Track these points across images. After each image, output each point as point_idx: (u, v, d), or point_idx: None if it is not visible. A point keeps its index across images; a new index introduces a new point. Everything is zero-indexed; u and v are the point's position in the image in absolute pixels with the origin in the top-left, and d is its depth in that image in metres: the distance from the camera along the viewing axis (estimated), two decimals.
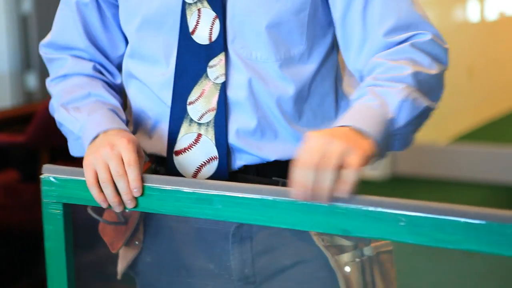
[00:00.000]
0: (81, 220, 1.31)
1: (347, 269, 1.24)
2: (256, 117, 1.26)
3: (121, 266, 1.38)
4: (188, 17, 1.27)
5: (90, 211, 1.28)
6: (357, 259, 1.25)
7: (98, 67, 1.38)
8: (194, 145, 1.27)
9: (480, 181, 4.84)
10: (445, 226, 0.97)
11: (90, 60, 1.37)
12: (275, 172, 1.28)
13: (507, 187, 4.79)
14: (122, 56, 1.39)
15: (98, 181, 1.18)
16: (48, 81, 1.39)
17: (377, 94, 1.15)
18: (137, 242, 1.35)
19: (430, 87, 1.20)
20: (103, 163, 1.18)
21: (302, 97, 1.29)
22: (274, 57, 1.26)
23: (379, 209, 1.02)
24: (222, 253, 1.30)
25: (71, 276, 1.25)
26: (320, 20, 1.29)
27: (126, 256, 1.37)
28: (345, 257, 1.25)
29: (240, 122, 1.26)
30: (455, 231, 0.97)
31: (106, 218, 1.33)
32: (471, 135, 6.22)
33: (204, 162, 1.27)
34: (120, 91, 1.40)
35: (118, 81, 1.40)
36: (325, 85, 1.32)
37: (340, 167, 1.03)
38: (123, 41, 1.38)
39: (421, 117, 1.18)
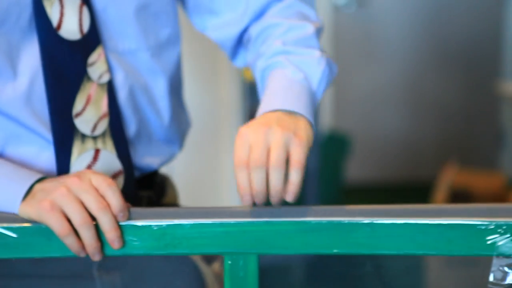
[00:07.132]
0: None
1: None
2: (135, 120, 1.07)
3: None
4: (47, 9, 0.99)
5: None
6: None
7: None
8: (93, 165, 1.01)
9: None
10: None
11: None
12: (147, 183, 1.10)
13: None
14: None
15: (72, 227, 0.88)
16: None
17: (297, 66, 1.02)
18: None
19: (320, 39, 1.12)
20: (74, 201, 0.87)
21: (173, 88, 1.13)
22: (144, 46, 1.07)
23: None
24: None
25: None
26: None
27: None
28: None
29: (125, 127, 1.06)
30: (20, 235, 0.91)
31: None
32: None
33: None
34: None
35: None
36: (180, 71, 1.17)
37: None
38: None
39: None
